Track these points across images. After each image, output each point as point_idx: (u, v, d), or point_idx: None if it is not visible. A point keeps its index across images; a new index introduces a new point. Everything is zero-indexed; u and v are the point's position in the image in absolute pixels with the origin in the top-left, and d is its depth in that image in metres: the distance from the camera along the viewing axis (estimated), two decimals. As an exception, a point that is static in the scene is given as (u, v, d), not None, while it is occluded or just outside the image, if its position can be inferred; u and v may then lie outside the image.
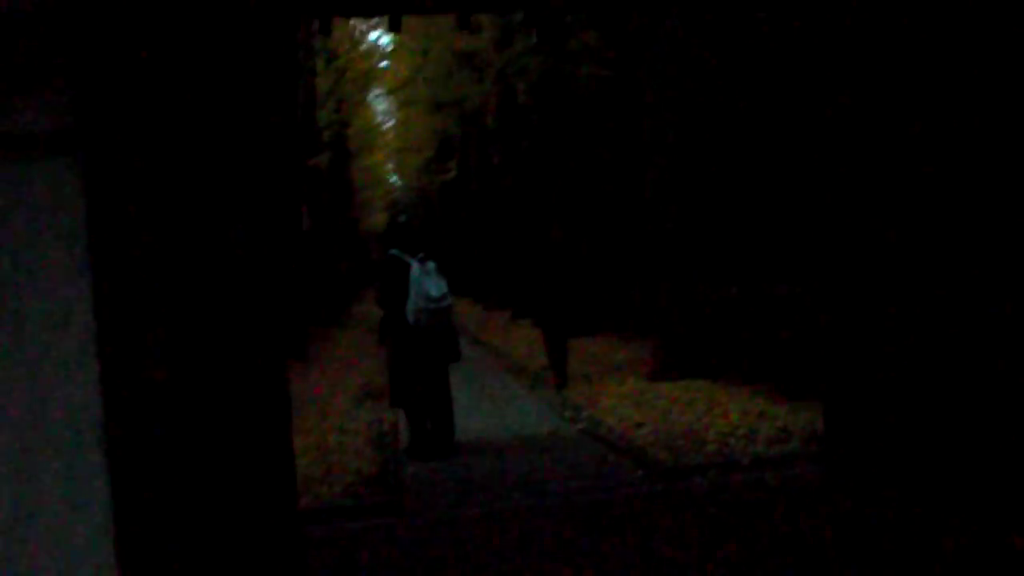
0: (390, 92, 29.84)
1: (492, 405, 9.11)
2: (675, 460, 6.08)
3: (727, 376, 9.03)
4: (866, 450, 3.50)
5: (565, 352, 10.03)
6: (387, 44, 30.01)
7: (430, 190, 43.11)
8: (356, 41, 26.49)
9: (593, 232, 14.90)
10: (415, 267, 6.18)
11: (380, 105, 50.85)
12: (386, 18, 4.01)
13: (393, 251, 6.36)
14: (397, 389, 6.55)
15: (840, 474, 3.78)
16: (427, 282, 6.13)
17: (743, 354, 8.83)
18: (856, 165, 3.42)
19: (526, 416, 8.28)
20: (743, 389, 8.45)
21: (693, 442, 6.59)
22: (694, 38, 9.52)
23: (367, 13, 8.62)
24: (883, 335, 3.30)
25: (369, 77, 30.05)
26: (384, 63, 31.01)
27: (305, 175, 20.51)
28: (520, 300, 20.30)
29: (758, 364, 8.54)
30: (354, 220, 50.34)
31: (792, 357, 7.83)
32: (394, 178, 57.87)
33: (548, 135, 15.75)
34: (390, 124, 47.29)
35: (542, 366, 11.54)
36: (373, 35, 30.02)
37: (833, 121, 3.60)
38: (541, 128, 16.40)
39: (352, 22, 25.11)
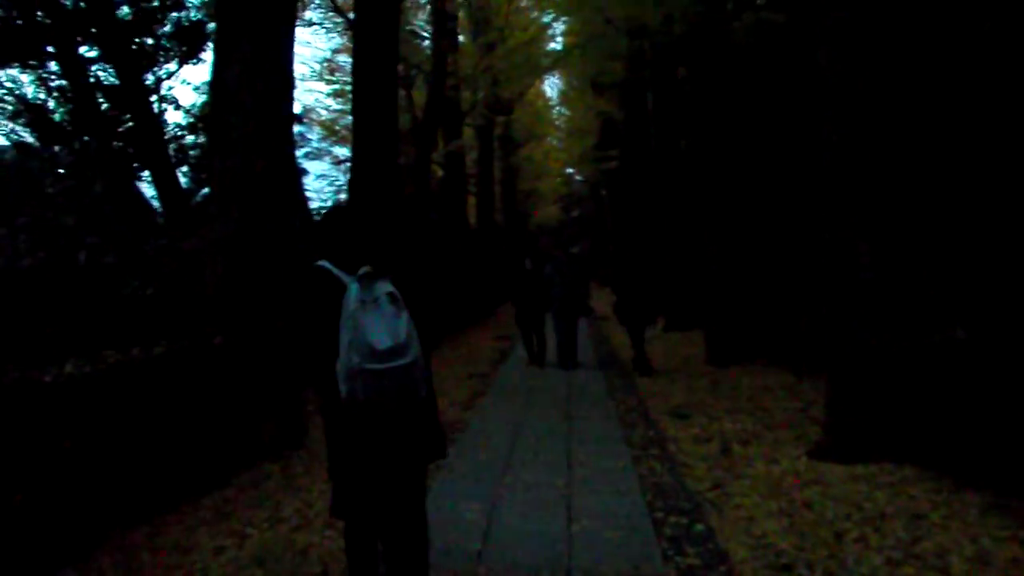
0: (545, 70, 26.78)
1: (566, 486, 6.10)
2: None
3: (940, 464, 5.68)
4: None
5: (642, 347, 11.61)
6: (546, 18, 26.99)
7: (600, 180, 39.76)
8: (509, 12, 23.71)
9: (756, 236, 11.54)
10: (352, 293, 3.40)
11: (552, 91, 48.52)
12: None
13: (322, 263, 3.56)
14: (339, 499, 3.73)
15: None
16: (369, 321, 3.31)
17: (974, 436, 5.43)
18: None
19: (605, 518, 5.25)
20: (967, 495, 5.11)
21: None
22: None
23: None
24: None
25: (529, 54, 27.13)
26: (552, 45, 28.27)
27: (426, 164, 18.09)
28: (673, 309, 17.13)
29: (1003, 454, 5.15)
30: (520, 213, 48.08)
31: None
32: (571, 169, 55.08)
33: (702, 114, 12.48)
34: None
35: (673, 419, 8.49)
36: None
37: None
38: (696, 105, 13.17)
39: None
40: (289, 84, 8.11)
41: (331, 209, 3.81)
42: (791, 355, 10.50)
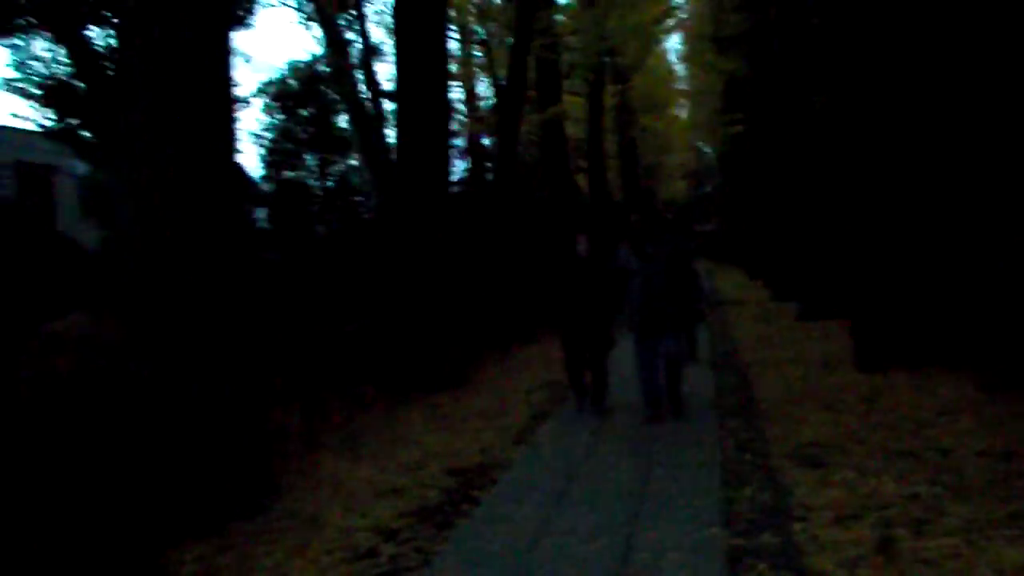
0: (655, 22, 23.76)
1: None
2: None
3: None
4: None
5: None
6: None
7: (728, 150, 36.13)
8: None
9: (921, 197, 8.51)
10: None
11: (673, 56, 45.07)
12: None
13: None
14: None
15: None
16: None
17: None
18: None
19: None
20: None
21: None
22: None
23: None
24: None
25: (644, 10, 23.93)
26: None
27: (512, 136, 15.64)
28: (811, 291, 14.10)
29: None
30: (646, 189, 44.74)
31: None
32: (700, 142, 51.54)
33: (840, 59, 9.53)
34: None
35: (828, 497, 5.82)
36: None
37: None
38: (832, 51, 10.25)
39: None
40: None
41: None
42: (975, 356, 7.56)
